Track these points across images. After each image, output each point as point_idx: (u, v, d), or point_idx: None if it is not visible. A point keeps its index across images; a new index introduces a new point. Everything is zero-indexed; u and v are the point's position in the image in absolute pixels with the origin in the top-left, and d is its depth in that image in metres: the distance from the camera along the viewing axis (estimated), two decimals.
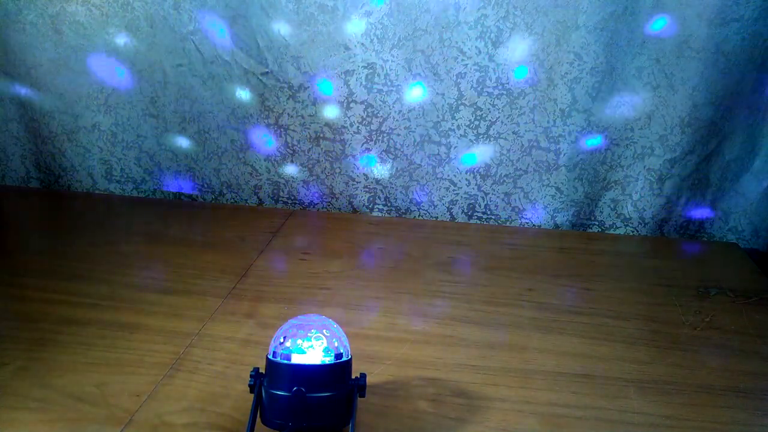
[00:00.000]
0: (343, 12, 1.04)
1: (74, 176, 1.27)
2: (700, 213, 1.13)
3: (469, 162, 1.12)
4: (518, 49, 1.03)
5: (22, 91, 1.20)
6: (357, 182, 1.19)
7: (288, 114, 1.14)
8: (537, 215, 1.16)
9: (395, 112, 1.11)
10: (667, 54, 1.00)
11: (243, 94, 1.14)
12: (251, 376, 0.62)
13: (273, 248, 1.07)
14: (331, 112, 1.12)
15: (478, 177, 1.14)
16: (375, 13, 1.03)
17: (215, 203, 1.25)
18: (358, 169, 1.17)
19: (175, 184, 1.25)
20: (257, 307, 0.89)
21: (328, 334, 0.62)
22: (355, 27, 1.05)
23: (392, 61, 1.07)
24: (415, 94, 1.09)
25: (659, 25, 0.98)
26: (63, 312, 0.86)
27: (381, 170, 1.15)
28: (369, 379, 0.65)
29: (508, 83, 1.06)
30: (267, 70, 1.10)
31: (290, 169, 1.20)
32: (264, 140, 1.16)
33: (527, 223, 1.17)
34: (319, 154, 1.17)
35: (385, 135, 1.13)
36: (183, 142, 1.20)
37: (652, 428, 0.68)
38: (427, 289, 0.95)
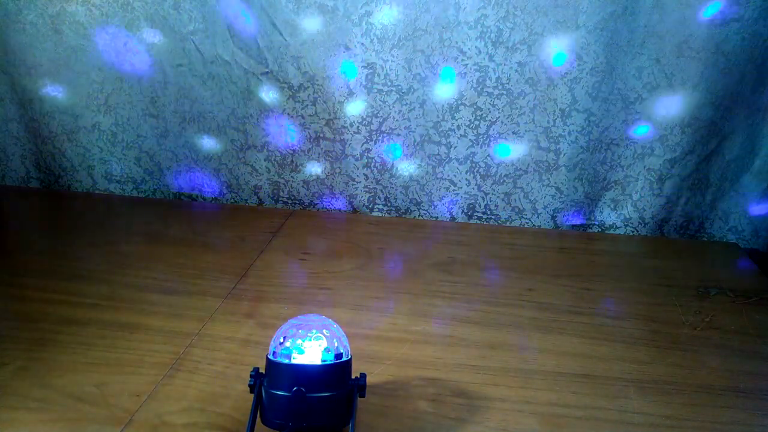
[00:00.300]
0: (343, 12, 1.04)
1: (74, 176, 1.27)
2: (700, 213, 1.13)
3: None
4: (518, 49, 1.03)
5: (22, 91, 1.20)
6: (357, 182, 1.19)
7: (288, 114, 1.14)
8: (537, 215, 1.16)
9: (395, 112, 1.11)
10: (667, 54, 1.00)
11: (243, 94, 1.14)
12: (251, 376, 0.62)
13: (273, 248, 1.07)
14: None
15: (478, 177, 1.14)
16: (375, 13, 1.03)
17: (215, 203, 1.25)
18: (358, 169, 1.17)
19: (175, 184, 1.25)
20: (257, 307, 0.89)
21: (328, 334, 0.62)
22: (355, 27, 1.05)
23: (392, 61, 1.07)
24: (416, 94, 1.09)
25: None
26: (63, 312, 0.86)
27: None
28: (369, 379, 0.65)
29: (508, 83, 1.06)
30: (267, 70, 1.10)
31: (290, 169, 1.20)
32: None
33: (527, 223, 1.17)
34: (319, 154, 1.17)
35: (385, 135, 1.13)
36: (183, 142, 1.20)
37: (652, 428, 0.68)
38: (427, 289, 0.95)
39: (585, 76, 1.03)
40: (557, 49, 1.01)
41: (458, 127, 1.11)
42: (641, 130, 1.07)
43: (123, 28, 1.11)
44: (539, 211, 1.16)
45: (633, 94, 1.04)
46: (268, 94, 1.13)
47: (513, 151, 1.10)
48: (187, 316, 0.86)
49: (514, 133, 1.10)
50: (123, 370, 0.75)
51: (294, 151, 1.17)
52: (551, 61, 1.02)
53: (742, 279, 1.00)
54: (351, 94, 1.10)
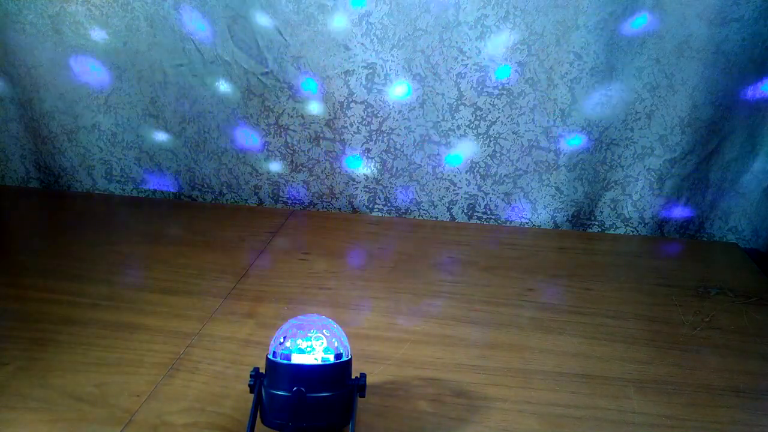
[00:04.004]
0: (344, 12, 1.04)
1: (74, 176, 1.27)
2: (700, 213, 1.13)
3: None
4: (518, 49, 1.03)
5: (22, 91, 1.20)
6: (357, 182, 1.19)
7: (288, 114, 1.14)
8: (537, 215, 1.16)
9: (395, 112, 1.11)
10: (667, 54, 1.00)
11: (243, 94, 1.14)
12: (251, 376, 0.62)
13: (273, 248, 1.07)
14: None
15: (478, 177, 1.14)
16: (375, 13, 1.03)
17: (215, 203, 1.25)
18: (359, 169, 1.17)
19: (175, 184, 1.25)
20: (257, 307, 0.89)
21: (328, 334, 0.62)
22: (355, 27, 1.05)
23: (392, 61, 1.07)
24: (416, 94, 1.09)
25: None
26: (63, 312, 0.86)
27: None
28: (369, 379, 0.65)
29: (508, 83, 1.06)
30: (267, 70, 1.10)
31: (290, 169, 1.20)
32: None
33: (527, 223, 1.17)
34: (319, 154, 1.17)
35: (385, 135, 1.13)
36: (183, 142, 1.20)
37: (652, 428, 0.68)
38: (427, 289, 0.95)
39: (585, 76, 1.03)
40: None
41: (458, 127, 1.11)
42: (641, 130, 1.07)
43: (123, 28, 1.11)
44: (539, 211, 1.16)
45: (633, 94, 1.04)
46: (269, 95, 1.13)
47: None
48: (187, 316, 0.86)
49: (514, 133, 1.10)
50: (123, 370, 0.75)
51: (294, 151, 1.17)
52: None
53: (742, 279, 1.00)
54: (351, 93, 1.10)
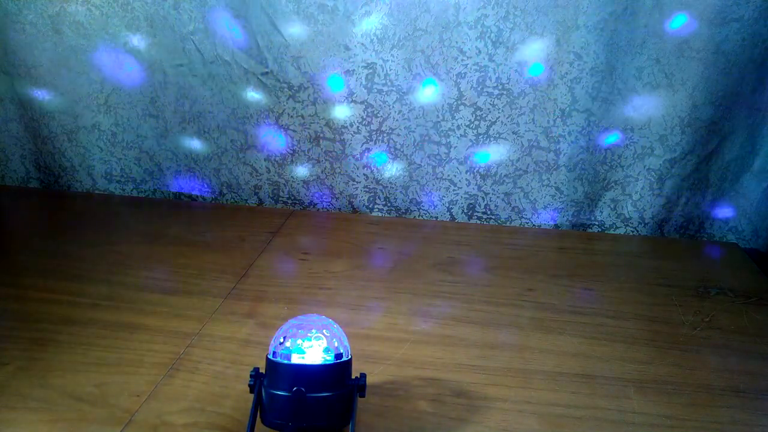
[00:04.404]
0: (343, 12, 1.04)
1: (74, 176, 1.27)
2: (700, 213, 1.13)
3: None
4: (518, 49, 1.03)
5: (22, 91, 1.20)
6: (357, 182, 1.19)
7: (288, 114, 1.14)
8: (537, 215, 1.16)
9: (395, 112, 1.11)
10: (667, 54, 1.00)
11: (243, 94, 1.14)
12: (251, 376, 0.62)
13: (273, 248, 1.07)
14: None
15: (478, 177, 1.14)
16: (375, 13, 1.03)
17: (215, 203, 1.25)
18: (359, 168, 1.17)
19: (175, 184, 1.25)
20: (257, 307, 0.89)
21: (328, 334, 0.62)
22: (355, 27, 1.05)
23: (392, 61, 1.07)
24: (416, 94, 1.09)
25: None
26: (63, 312, 0.86)
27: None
28: (369, 379, 0.65)
29: (508, 83, 1.06)
30: (267, 70, 1.10)
31: (290, 169, 1.20)
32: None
33: (527, 223, 1.17)
34: (319, 154, 1.17)
35: (385, 135, 1.13)
36: (183, 142, 1.20)
37: (652, 428, 0.68)
38: (427, 289, 0.95)
39: (585, 76, 1.03)
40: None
41: (458, 127, 1.11)
42: (641, 130, 1.07)
43: (123, 28, 1.11)
44: (539, 211, 1.16)
45: (633, 94, 1.04)
46: (268, 95, 1.13)
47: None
48: (187, 316, 0.86)
49: (514, 133, 1.10)
50: (123, 370, 0.75)
51: (294, 151, 1.17)
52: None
53: (742, 279, 1.00)
54: (351, 93, 1.10)
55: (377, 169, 1.16)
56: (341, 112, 1.12)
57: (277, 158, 1.19)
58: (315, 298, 0.92)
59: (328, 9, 1.04)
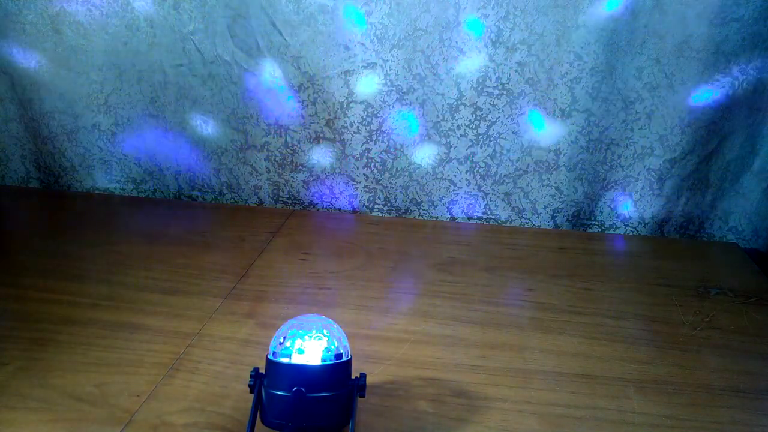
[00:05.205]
0: (344, 12, 1.04)
1: (74, 176, 1.27)
2: (700, 213, 1.13)
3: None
4: (518, 49, 1.03)
5: (22, 91, 1.20)
6: (357, 182, 1.19)
7: (288, 114, 1.14)
8: (537, 215, 1.16)
9: (395, 111, 1.11)
10: (667, 54, 1.00)
11: (243, 94, 1.13)
12: (251, 376, 0.62)
13: (273, 248, 1.07)
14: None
15: (478, 177, 1.14)
16: (375, 13, 1.03)
17: (215, 203, 1.25)
18: (358, 168, 1.17)
19: (175, 184, 1.25)
20: (257, 307, 0.89)
21: (328, 334, 0.62)
22: (355, 27, 1.05)
23: (392, 61, 1.07)
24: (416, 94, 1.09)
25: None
26: (63, 312, 0.86)
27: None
28: (369, 379, 0.65)
29: (508, 83, 1.06)
30: (266, 70, 1.10)
31: (290, 169, 1.20)
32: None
33: (527, 223, 1.17)
34: (319, 154, 1.17)
35: (385, 135, 1.13)
36: (183, 142, 1.20)
37: (652, 428, 0.68)
38: (427, 289, 0.95)
39: (585, 76, 1.03)
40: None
41: (458, 127, 1.10)
42: (641, 130, 1.07)
43: (123, 28, 1.11)
44: (539, 211, 1.16)
45: (633, 94, 1.04)
46: (268, 95, 1.13)
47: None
48: (187, 316, 0.86)
49: (514, 133, 1.10)
50: (123, 370, 0.75)
51: (294, 151, 1.17)
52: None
53: (742, 279, 1.00)
54: (351, 93, 1.10)
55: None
56: (341, 112, 1.12)
57: (277, 158, 1.19)
58: (315, 298, 0.92)
59: (328, 9, 1.04)
